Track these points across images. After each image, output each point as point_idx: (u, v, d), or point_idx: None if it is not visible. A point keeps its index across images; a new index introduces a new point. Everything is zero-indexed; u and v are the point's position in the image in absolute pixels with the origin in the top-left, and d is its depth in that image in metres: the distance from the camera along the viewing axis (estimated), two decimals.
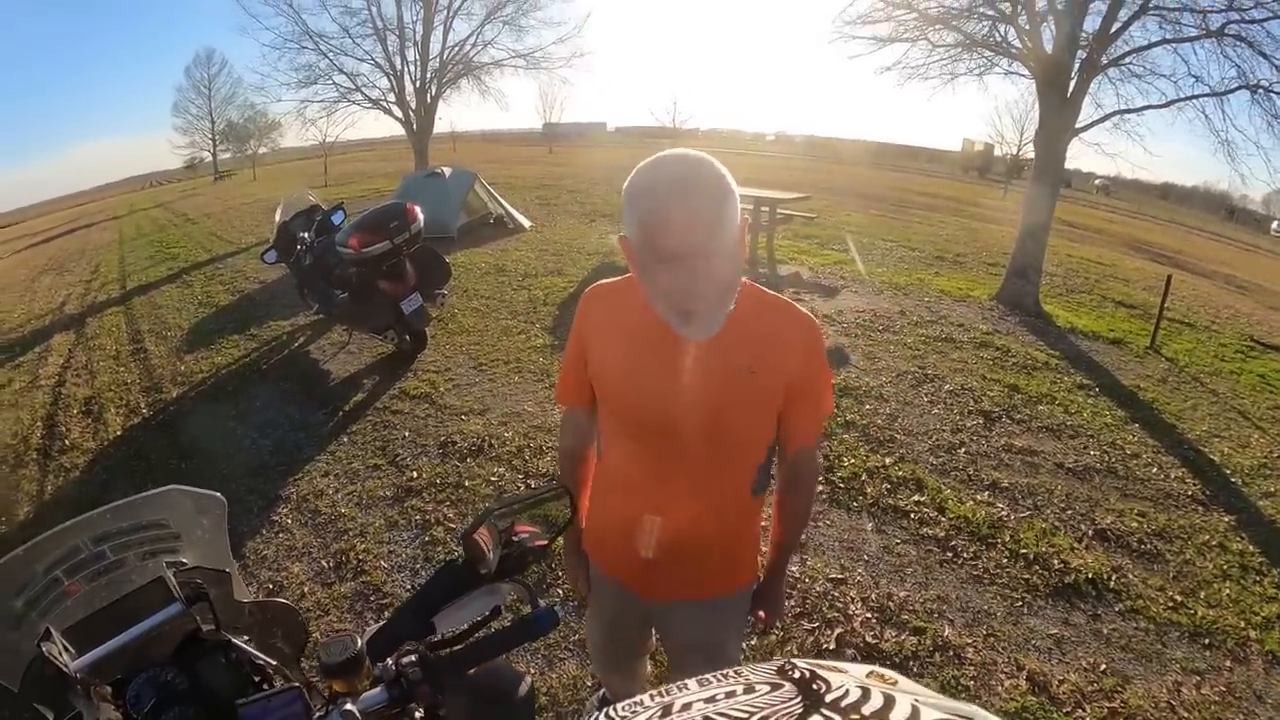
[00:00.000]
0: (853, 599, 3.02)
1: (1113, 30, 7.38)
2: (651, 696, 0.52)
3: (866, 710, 0.38)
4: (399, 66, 17.36)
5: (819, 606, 2.98)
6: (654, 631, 1.84)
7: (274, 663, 1.24)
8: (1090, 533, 3.61)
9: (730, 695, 0.45)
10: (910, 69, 8.86)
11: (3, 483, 4.91)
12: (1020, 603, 3.07)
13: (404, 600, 1.06)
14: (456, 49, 17.58)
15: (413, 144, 17.72)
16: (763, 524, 1.60)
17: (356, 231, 5.39)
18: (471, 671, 0.97)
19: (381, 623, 1.02)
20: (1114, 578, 3.26)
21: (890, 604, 3.00)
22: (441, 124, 18.81)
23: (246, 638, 1.26)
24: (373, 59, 17.43)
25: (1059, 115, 7.61)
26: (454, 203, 10.99)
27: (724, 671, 0.52)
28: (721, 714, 0.42)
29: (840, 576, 3.16)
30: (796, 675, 0.45)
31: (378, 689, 0.92)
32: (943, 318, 6.90)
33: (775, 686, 0.45)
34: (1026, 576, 3.21)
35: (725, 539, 1.51)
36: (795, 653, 2.73)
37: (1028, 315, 7.44)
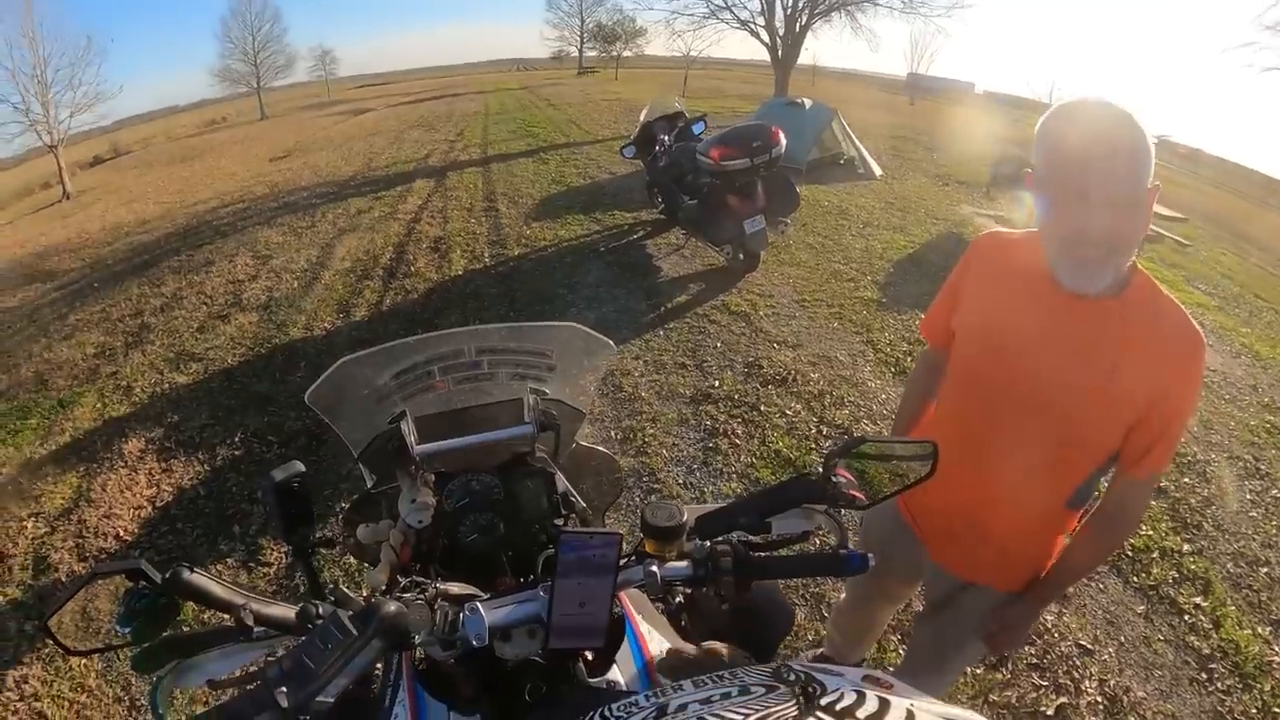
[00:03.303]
0: (1091, 675, 2.72)
1: None
2: (646, 697, 0.52)
3: (861, 714, 0.37)
4: None
5: (1056, 667, 2.72)
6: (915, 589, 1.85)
7: (582, 504, 1.33)
8: None
9: (726, 696, 0.45)
10: None
11: (350, 289, 5.88)
12: None
13: (747, 494, 1.05)
14: None
15: (775, 70, 17.76)
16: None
17: (719, 144, 5.53)
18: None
19: (719, 505, 1.04)
20: None
21: (1125, 699, 2.65)
22: (804, 55, 18.55)
23: (566, 476, 1.36)
24: None
25: None
26: (809, 136, 10.80)
27: (720, 673, 0.52)
28: (717, 715, 0.41)
29: (1090, 647, 2.84)
30: (792, 677, 0.44)
31: (684, 563, 0.93)
32: None
33: (770, 689, 0.44)
34: None
35: (1024, 539, 1.45)
36: (1012, 702, 2.56)
37: None
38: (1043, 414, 1.29)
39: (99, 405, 4.42)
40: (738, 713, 0.42)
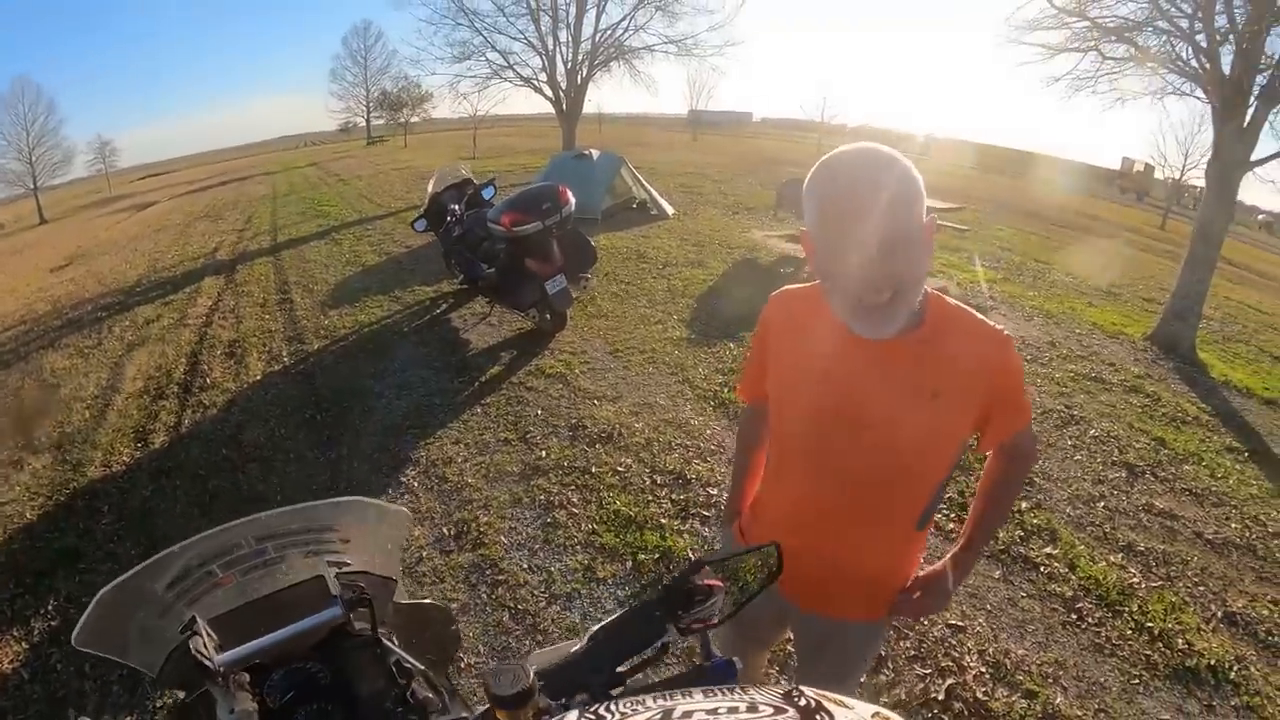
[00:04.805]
0: (969, 650, 2.85)
1: None
2: (654, 698, 0.51)
3: None
4: (551, 47, 17.75)
5: (934, 652, 2.82)
6: (786, 631, 1.81)
7: (421, 666, 1.22)
8: (1219, 615, 3.23)
9: (733, 711, 0.45)
10: (1079, 81, 8.24)
11: (145, 412, 5.29)
12: (1137, 680, 2.79)
13: (588, 640, 0.97)
14: (609, 32, 17.81)
15: (561, 123, 18.07)
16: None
17: (509, 210, 5.49)
18: None
19: (565, 650, 0.96)
20: (1236, 668, 2.89)
21: (1007, 661, 2.80)
22: (589, 105, 19.07)
23: (395, 638, 1.25)
24: (525, 38, 17.93)
25: (1235, 145, 6.85)
26: (600, 185, 11.05)
27: (730, 686, 0.51)
28: None
29: (960, 624, 2.98)
30: (802, 703, 0.44)
31: None
32: (1094, 354, 6.39)
33: (779, 710, 0.44)
34: (1148, 653, 2.92)
35: (878, 570, 1.46)
36: (903, 698, 2.62)
37: (1181, 361, 6.76)
38: (874, 454, 1.30)
39: None
40: None
